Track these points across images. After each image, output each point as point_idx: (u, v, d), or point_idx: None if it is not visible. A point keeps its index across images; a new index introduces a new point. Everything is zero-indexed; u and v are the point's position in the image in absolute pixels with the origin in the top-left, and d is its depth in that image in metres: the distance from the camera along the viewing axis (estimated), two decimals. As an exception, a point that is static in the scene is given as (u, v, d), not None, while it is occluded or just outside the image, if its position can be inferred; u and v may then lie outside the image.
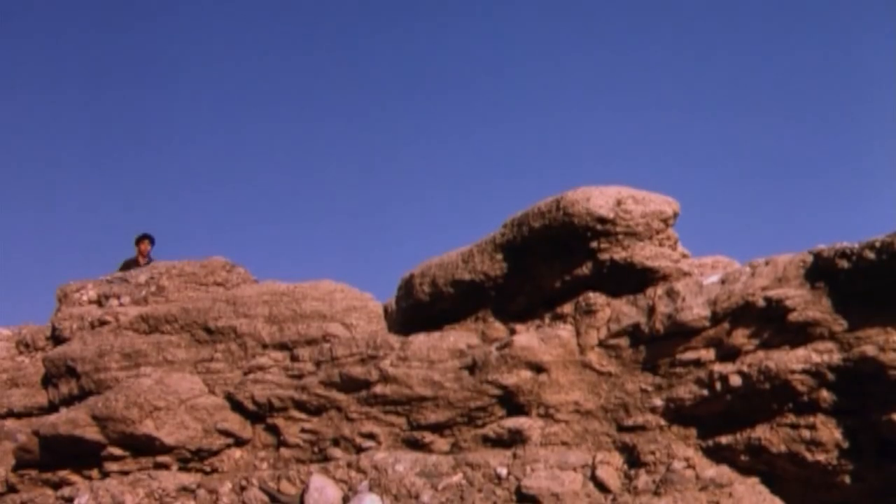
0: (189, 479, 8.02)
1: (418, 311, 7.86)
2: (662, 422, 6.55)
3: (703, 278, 6.66)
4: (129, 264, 13.28)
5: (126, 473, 8.21)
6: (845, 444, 5.92)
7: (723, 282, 6.49)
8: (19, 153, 38.15)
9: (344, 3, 42.74)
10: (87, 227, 37.42)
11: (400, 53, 43.19)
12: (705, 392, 6.37)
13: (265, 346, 8.53)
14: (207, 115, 40.34)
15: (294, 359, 8.23)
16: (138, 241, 13.88)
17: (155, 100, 39.43)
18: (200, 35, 41.77)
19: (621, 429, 6.69)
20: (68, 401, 9.20)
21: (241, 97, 41.05)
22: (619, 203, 6.84)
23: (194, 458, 8.14)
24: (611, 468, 6.58)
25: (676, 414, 6.51)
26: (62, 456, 8.55)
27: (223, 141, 39.94)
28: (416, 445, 7.38)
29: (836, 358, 5.94)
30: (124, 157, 39.65)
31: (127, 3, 41.18)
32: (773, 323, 6.21)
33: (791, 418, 6.09)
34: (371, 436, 7.56)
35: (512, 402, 7.07)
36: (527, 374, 6.99)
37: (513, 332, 7.27)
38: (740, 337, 6.32)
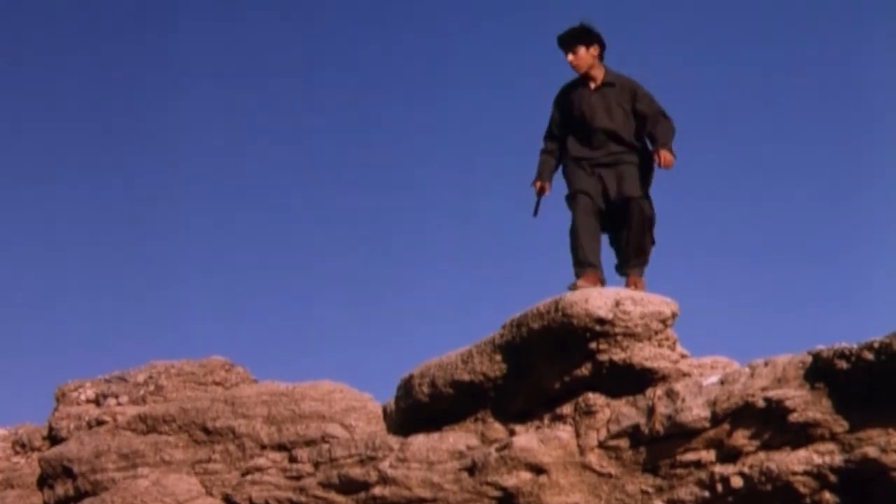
0: (185, 583, 7.92)
1: (417, 411, 7.84)
2: (664, 524, 6.49)
3: (702, 379, 6.66)
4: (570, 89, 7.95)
5: (121, 577, 8.11)
6: (849, 548, 5.87)
7: (722, 382, 6.49)
8: (16, 253, 38.26)
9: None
10: (85, 328, 37.26)
11: (389, 128, 43.18)
12: (706, 494, 6.33)
13: (263, 447, 8.48)
14: (203, 207, 40.32)
15: (292, 460, 8.18)
16: (572, 44, 7.75)
17: (150, 189, 39.43)
18: (197, 114, 41.97)
19: (623, 531, 6.63)
20: (64, 502, 9.12)
21: (240, 185, 41.08)
22: (617, 304, 6.89)
23: (190, 562, 8.05)
24: (613, 572, 6.51)
25: (678, 516, 6.46)
26: (56, 559, 8.45)
27: (221, 237, 40.00)
28: (415, 548, 7.30)
29: (838, 459, 5.91)
30: (121, 254, 39.71)
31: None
32: (773, 423, 6.19)
33: (794, 521, 6.05)
34: (370, 538, 7.48)
35: (512, 505, 7.02)
36: (526, 475, 6.94)
37: (512, 432, 7.25)
38: (741, 438, 6.30)
